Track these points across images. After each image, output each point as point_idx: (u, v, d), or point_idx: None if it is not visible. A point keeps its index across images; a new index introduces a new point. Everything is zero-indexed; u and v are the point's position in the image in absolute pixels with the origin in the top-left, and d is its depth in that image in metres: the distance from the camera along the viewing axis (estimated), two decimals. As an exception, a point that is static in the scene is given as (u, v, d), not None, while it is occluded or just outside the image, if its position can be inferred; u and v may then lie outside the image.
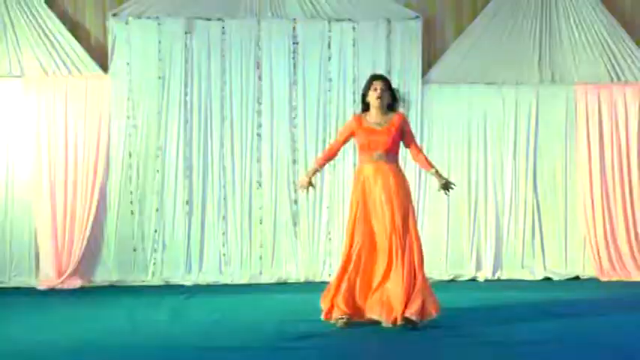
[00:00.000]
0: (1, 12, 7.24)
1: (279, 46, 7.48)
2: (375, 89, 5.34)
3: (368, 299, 5.30)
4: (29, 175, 7.32)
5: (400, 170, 5.40)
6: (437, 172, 5.46)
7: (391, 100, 5.40)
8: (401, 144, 5.40)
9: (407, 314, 5.10)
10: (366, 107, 5.42)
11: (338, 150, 5.59)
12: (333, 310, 5.28)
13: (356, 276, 5.30)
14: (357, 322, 5.25)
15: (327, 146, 5.82)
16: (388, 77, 5.66)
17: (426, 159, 5.51)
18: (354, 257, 5.29)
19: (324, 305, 5.34)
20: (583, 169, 7.66)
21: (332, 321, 5.23)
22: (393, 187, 5.28)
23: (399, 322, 5.12)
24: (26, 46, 7.26)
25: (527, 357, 4.60)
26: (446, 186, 5.41)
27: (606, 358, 4.47)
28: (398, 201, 5.25)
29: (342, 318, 5.21)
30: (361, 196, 5.33)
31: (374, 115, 5.36)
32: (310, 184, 5.48)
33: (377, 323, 5.23)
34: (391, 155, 5.35)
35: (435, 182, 5.66)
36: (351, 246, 5.32)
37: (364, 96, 5.41)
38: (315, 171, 5.56)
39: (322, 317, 5.29)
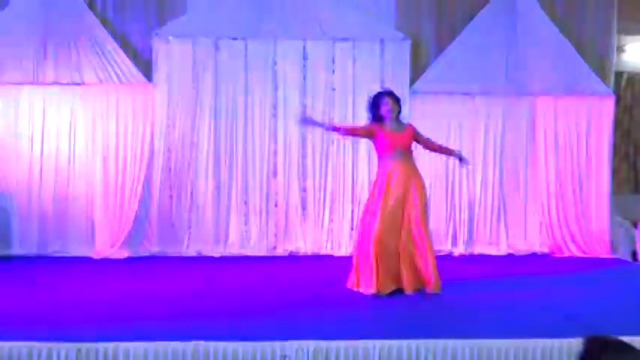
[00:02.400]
0: (66, 31, 7.17)
1: (292, 62, 7.47)
2: (387, 104, 5.38)
3: (398, 272, 5.25)
4: (87, 165, 7.28)
5: (415, 165, 5.48)
6: (454, 152, 5.72)
7: (399, 110, 5.46)
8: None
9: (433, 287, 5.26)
10: (378, 119, 5.42)
11: (356, 134, 5.64)
12: (375, 284, 5.21)
13: (388, 254, 5.23)
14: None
15: (352, 125, 5.63)
16: (394, 92, 5.64)
17: (437, 145, 5.74)
18: (384, 240, 5.21)
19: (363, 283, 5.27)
20: (540, 165, 7.65)
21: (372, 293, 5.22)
22: (413, 179, 5.35)
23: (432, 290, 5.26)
24: (85, 59, 7.18)
25: (493, 315, 4.69)
26: (462, 159, 5.70)
27: (558, 321, 4.57)
28: (417, 191, 5.34)
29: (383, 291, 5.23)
30: (387, 186, 5.27)
31: (389, 124, 5.40)
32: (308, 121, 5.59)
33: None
34: (409, 153, 5.45)
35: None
36: (379, 230, 5.22)
37: (376, 109, 5.41)
38: (326, 124, 5.61)
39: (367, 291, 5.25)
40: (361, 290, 5.32)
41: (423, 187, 5.45)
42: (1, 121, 7.25)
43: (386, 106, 5.40)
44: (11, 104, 7.25)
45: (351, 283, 5.46)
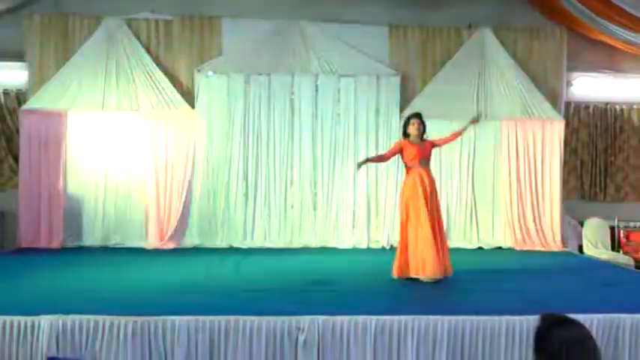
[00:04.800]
0: (125, 68, 7.24)
1: (306, 92, 7.45)
2: (414, 124, 5.39)
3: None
4: (143, 174, 7.28)
5: (431, 171, 5.43)
6: (464, 128, 5.55)
7: (423, 129, 5.43)
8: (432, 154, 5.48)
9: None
10: (407, 135, 5.41)
11: (389, 158, 5.59)
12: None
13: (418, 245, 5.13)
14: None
15: (383, 152, 5.68)
16: (420, 113, 5.57)
17: (450, 136, 5.50)
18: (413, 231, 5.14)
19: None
20: (504, 175, 7.60)
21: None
22: (432, 182, 5.31)
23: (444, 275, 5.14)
24: (142, 90, 7.22)
25: (467, 296, 4.67)
26: (477, 119, 5.63)
27: (519, 301, 4.54)
28: (435, 192, 5.31)
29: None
30: (414, 188, 5.18)
31: (415, 139, 5.39)
32: (359, 166, 5.59)
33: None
34: (429, 162, 5.41)
35: None
36: (408, 224, 5.16)
37: (405, 128, 5.41)
38: (368, 161, 5.59)
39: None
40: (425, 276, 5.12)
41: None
42: (75, 139, 7.31)
43: (414, 125, 5.39)
44: (83, 126, 7.30)
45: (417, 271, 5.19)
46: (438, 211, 5.29)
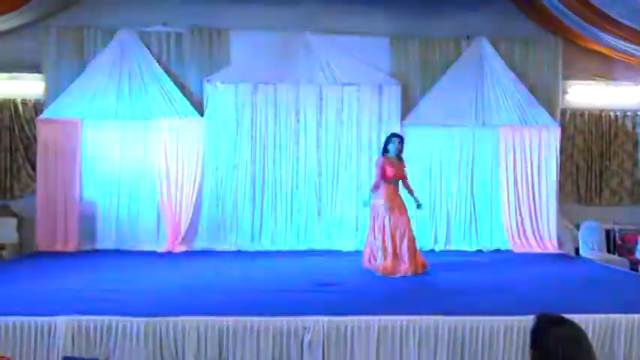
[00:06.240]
0: (138, 79, 7.25)
1: (311, 101, 7.44)
2: (394, 142, 5.74)
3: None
4: (155, 179, 7.25)
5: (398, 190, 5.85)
6: (415, 198, 5.88)
7: (401, 148, 5.78)
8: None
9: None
10: (387, 151, 5.80)
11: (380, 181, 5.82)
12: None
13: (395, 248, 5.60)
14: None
15: (374, 182, 5.92)
16: (401, 135, 6.00)
17: (409, 186, 5.90)
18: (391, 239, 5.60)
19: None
20: (503, 180, 7.54)
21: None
22: (402, 200, 5.73)
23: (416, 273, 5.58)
24: (154, 100, 7.23)
25: (467, 297, 4.66)
26: (418, 206, 5.87)
27: (516, 301, 4.53)
28: (404, 209, 5.69)
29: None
30: (389, 203, 5.64)
31: (393, 158, 5.74)
32: (366, 204, 5.91)
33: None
34: (398, 182, 5.79)
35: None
36: (391, 234, 5.62)
37: (386, 145, 5.81)
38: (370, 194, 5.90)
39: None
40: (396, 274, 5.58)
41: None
42: (90, 146, 7.34)
43: (394, 144, 5.79)
44: (97, 135, 7.33)
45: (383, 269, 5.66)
46: (405, 221, 5.65)
